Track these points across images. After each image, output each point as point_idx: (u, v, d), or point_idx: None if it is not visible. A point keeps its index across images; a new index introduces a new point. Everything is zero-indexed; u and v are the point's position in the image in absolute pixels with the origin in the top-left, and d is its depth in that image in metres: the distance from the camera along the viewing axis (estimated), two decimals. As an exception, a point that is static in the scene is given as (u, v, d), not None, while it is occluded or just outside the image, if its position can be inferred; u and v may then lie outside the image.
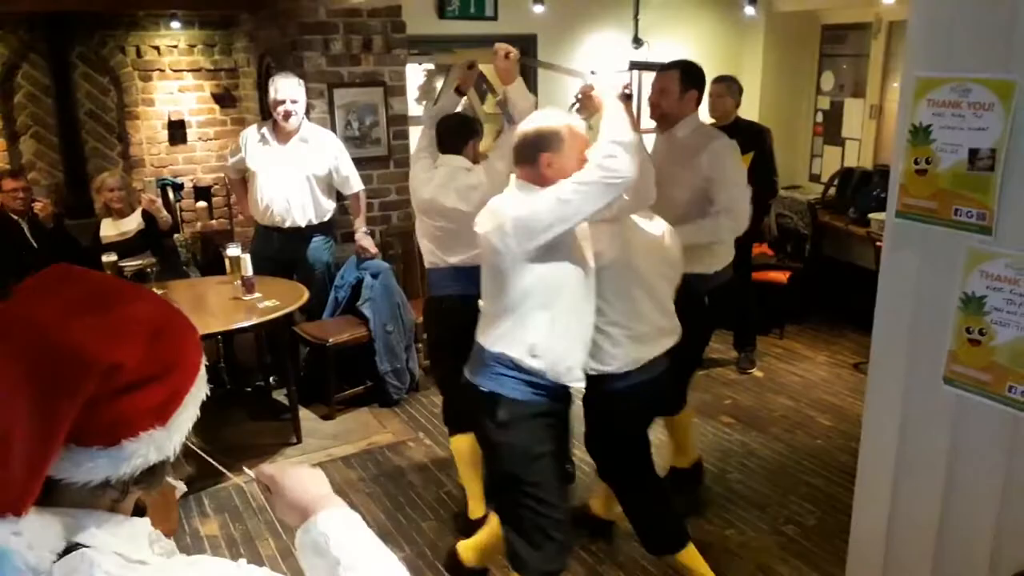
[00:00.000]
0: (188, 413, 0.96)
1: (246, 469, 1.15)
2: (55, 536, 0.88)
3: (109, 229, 4.77)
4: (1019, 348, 1.75)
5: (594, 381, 2.56)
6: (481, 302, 2.48)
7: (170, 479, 1.01)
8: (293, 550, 1.05)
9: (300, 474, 1.11)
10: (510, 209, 2.30)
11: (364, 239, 4.64)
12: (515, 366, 2.33)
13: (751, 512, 3.54)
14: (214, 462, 1.17)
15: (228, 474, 1.23)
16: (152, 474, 0.94)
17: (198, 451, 1.09)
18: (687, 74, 3.28)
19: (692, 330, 2.93)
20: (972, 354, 1.82)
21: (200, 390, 0.99)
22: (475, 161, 3.23)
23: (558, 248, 2.27)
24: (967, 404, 1.86)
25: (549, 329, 2.32)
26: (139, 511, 0.99)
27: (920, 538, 2.02)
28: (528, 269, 2.27)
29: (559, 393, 2.43)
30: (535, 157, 2.30)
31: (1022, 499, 1.80)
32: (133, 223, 4.78)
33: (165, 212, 4.81)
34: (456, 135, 3.21)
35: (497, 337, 2.36)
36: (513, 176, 2.45)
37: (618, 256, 2.51)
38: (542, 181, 2.29)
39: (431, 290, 3.39)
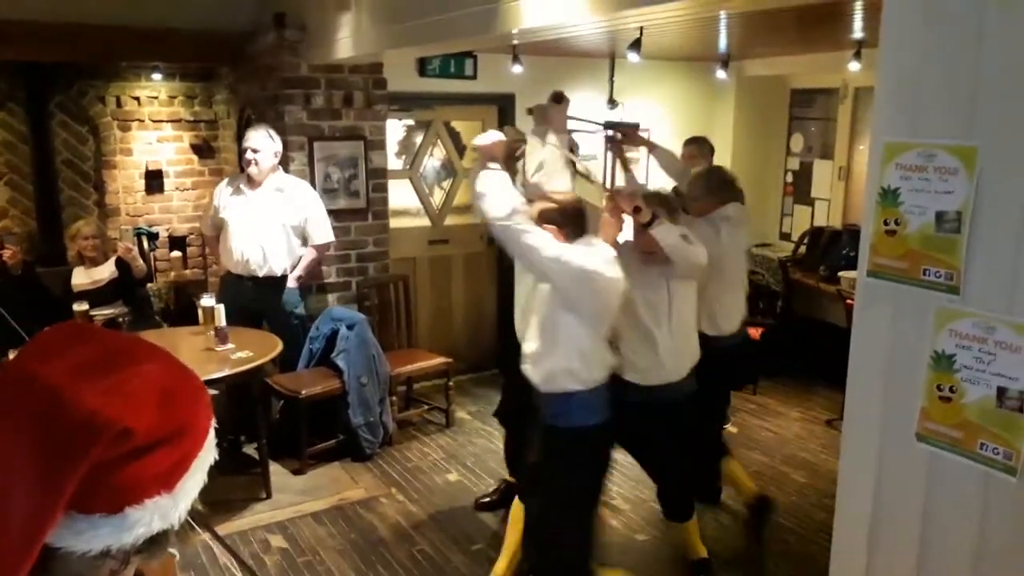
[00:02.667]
0: (195, 479, 0.92)
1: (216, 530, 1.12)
2: None
3: (81, 277, 4.72)
4: (988, 406, 1.78)
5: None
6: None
7: (171, 549, 0.98)
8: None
9: None
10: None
11: (293, 282, 4.60)
12: None
13: (727, 570, 3.51)
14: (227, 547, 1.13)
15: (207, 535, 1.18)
16: (155, 543, 0.90)
17: (208, 533, 1.06)
18: None
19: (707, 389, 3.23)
20: (944, 411, 1.85)
21: (208, 454, 0.94)
22: None
23: None
24: (940, 461, 1.88)
25: None
26: None
27: (897, 596, 2.01)
28: None
29: None
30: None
31: (995, 557, 1.81)
32: (106, 272, 4.73)
33: (141, 261, 4.78)
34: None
35: None
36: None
37: None
38: None
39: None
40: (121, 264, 4.71)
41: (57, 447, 0.81)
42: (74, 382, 0.83)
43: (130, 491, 0.86)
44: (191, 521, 1.17)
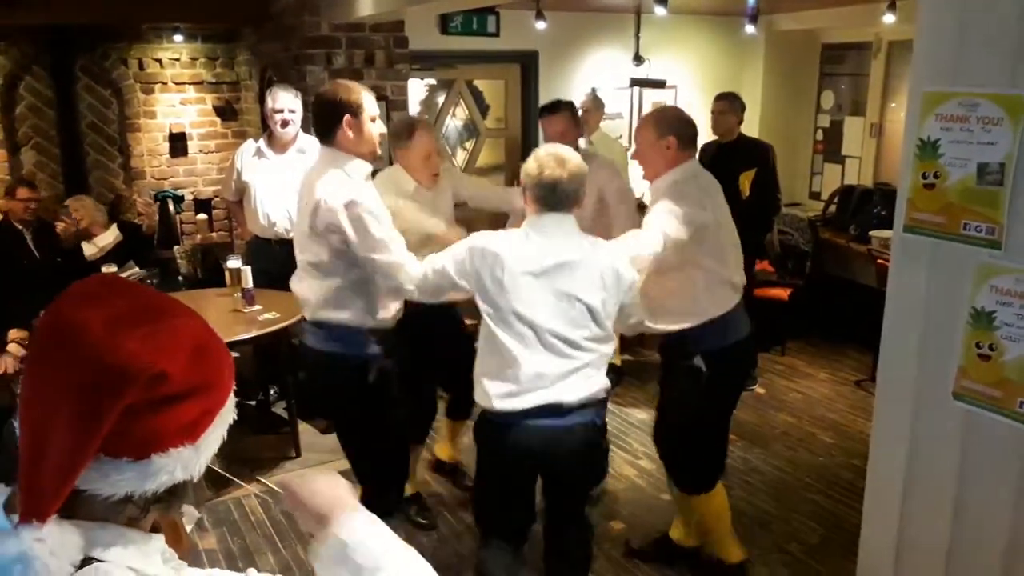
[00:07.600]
0: (217, 433, 0.97)
1: (261, 479, 1.14)
2: (74, 547, 0.87)
3: (90, 248, 4.84)
4: (1029, 364, 1.73)
5: None
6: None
7: (191, 507, 1.02)
8: (292, 565, 1.04)
9: (316, 481, 1.11)
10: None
11: None
12: None
13: (754, 530, 3.51)
14: (229, 475, 1.16)
15: (243, 484, 1.21)
16: (174, 494, 0.95)
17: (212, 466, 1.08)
18: None
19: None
20: (982, 370, 1.81)
21: (229, 412, 0.99)
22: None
23: None
24: (977, 420, 1.84)
25: None
26: (154, 529, 0.98)
27: (930, 556, 1.99)
28: None
29: None
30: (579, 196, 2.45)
31: (1032, 517, 1.78)
32: (110, 237, 4.83)
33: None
34: None
35: None
36: (547, 217, 2.43)
37: None
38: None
39: None
40: (126, 227, 4.76)
41: (96, 387, 0.85)
42: (112, 328, 0.88)
43: (157, 438, 0.90)
44: (235, 479, 1.19)
